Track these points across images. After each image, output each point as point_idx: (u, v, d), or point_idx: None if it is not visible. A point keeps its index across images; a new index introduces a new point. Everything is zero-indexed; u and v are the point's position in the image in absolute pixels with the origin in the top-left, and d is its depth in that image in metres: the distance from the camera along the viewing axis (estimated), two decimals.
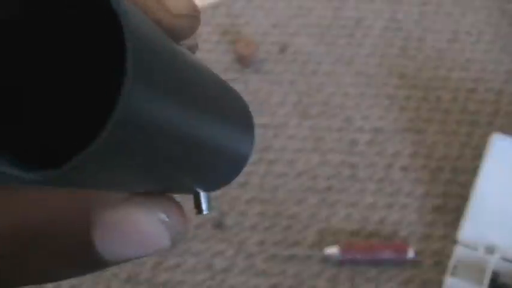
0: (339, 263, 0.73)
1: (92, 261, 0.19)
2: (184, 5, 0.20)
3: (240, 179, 0.79)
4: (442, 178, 0.79)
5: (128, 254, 0.19)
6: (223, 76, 0.87)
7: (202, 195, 0.23)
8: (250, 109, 0.84)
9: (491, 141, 0.75)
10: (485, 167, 0.74)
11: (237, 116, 0.23)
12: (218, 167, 0.23)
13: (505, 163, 0.74)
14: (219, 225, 0.76)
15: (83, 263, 0.20)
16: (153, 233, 0.19)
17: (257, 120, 0.83)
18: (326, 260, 0.74)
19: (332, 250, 0.73)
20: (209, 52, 0.89)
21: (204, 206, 0.23)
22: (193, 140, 0.19)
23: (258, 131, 0.83)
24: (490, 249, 0.70)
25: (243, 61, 0.87)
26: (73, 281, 0.73)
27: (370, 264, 0.73)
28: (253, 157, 0.81)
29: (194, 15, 0.21)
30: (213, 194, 0.78)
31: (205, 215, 0.23)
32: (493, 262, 0.69)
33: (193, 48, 0.24)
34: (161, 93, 0.16)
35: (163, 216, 0.19)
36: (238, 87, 0.86)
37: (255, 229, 0.76)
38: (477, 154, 0.79)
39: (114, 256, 0.18)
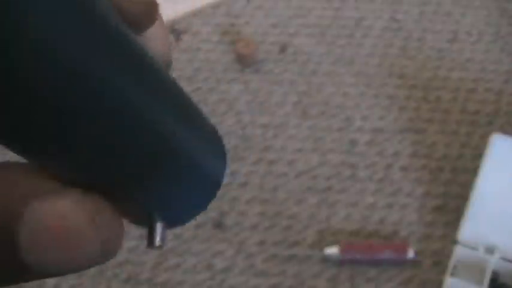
0: (339, 263, 0.73)
1: (13, 265, 0.17)
2: None
3: (240, 179, 0.79)
4: (442, 178, 0.79)
5: (50, 257, 0.16)
6: (223, 76, 0.87)
7: (158, 225, 0.20)
8: (250, 109, 0.84)
9: (491, 141, 0.75)
10: (485, 167, 0.74)
11: (200, 125, 0.21)
12: (174, 183, 0.20)
13: (505, 163, 0.74)
14: (219, 225, 0.76)
15: (2, 267, 0.17)
16: (80, 233, 0.17)
17: (257, 120, 0.83)
18: (326, 260, 0.74)
19: (332, 250, 0.73)
20: (209, 52, 0.89)
21: (157, 237, 0.20)
22: (130, 120, 0.17)
23: (258, 131, 0.83)
24: (490, 249, 0.70)
25: (243, 61, 0.87)
26: (73, 281, 0.73)
27: (370, 264, 0.73)
28: (253, 157, 0.81)
29: (151, 2, 0.20)
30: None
31: (156, 248, 0.20)
32: (493, 262, 0.69)
33: (167, 64, 0.23)
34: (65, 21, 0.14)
35: (96, 217, 0.17)
36: (238, 87, 0.86)
37: (255, 229, 0.76)
38: (477, 154, 0.79)
39: (37, 258, 0.16)
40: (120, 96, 0.17)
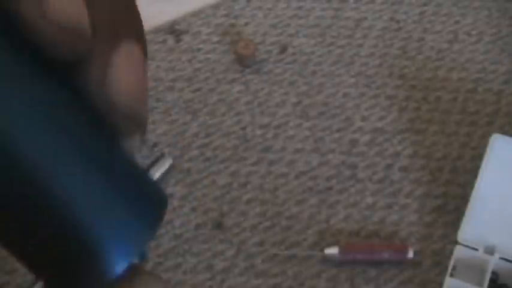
0: (339, 263, 0.73)
1: None
2: (67, 17, 0.17)
3: (240, 179, 0.79)
4: (442, 178, 0.79)
5: None
6: (223, 76, 0.87)
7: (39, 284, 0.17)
8: (250, 109, 0.84)
9: (491, 141, 0.75)
10: (485, 167, 0.74)
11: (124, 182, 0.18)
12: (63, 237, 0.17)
13: (505, 163, 0.74)
14: (219, 225, 0.76)
15: None
16: None
17: (257, 120, 0.83)
18: (326, 260, 0.74)
19: (332, 250, 0.73)
20: (209, 52, 0.89)
21: None
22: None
23: (258, 132, 0.82)
24: (490, 249, 0.70)
25: (243, 61, 0.87)
26: None
27: (370, 264, 0.73)
28: (253, 158, 0.81)
29: (78, 29, 0.18)
30: (213, 193, 0.78)
31: None
32: (493, 262, 0.69)
33: (136, 119, 0.21)
34: None
35: None
36: (238, 87, 0.86)
37: (255, 229, 0.76)
38: (477, 154, 0.79)
39: None
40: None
